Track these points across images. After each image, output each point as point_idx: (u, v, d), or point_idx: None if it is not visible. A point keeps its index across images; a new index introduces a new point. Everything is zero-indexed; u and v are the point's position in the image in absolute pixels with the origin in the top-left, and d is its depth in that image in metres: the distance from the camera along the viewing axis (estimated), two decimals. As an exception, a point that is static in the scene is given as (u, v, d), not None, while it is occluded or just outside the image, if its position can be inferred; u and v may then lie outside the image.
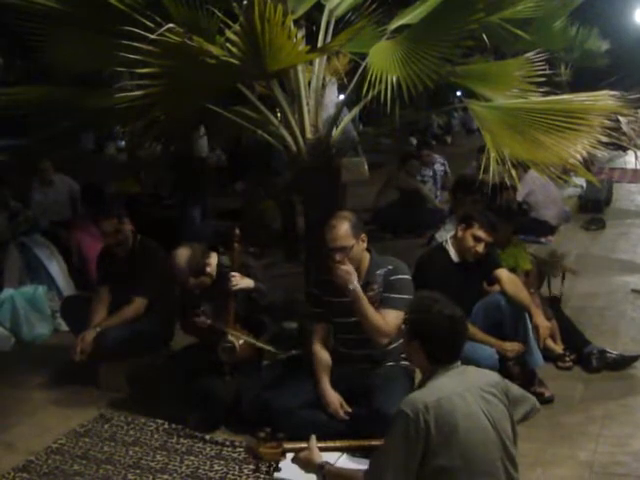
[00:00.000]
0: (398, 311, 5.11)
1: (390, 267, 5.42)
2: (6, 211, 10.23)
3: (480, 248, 6.05)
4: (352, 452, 4.81)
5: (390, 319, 5.21)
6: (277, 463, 4.68)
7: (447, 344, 3.73)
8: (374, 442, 4.40)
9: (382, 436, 4.01)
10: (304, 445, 4.49)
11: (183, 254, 5.80)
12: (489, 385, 3.69)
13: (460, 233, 6.14)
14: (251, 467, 5.02)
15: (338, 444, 4.59)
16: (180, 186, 12.01)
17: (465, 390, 3.58)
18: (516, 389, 3.92)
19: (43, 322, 8.05)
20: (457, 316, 3.78)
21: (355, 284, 5.15)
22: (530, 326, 5.91)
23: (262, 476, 4.91)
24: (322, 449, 4.41)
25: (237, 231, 5.78)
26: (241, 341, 5.69)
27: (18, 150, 15.76)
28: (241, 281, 5.69)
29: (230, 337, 5.63)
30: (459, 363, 3.75)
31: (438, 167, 13.20)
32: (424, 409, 3.44)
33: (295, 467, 4.47)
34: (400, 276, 5.40)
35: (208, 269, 5.88)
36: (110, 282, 6.76)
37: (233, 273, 5.68)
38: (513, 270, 6.48)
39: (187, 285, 5.86)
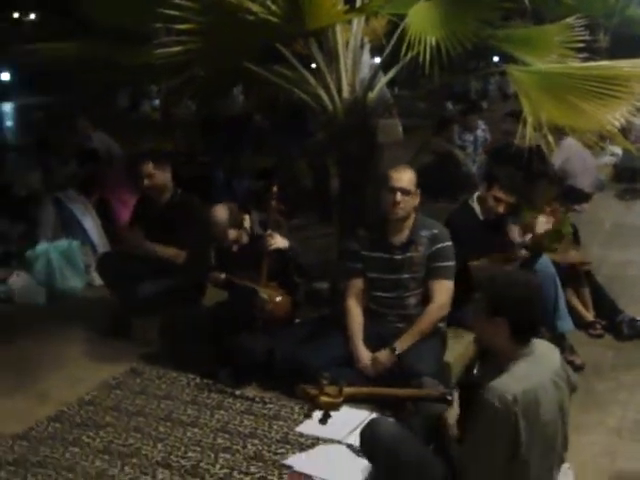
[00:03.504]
0: (450, 280, 5.36)
1: (435, 231, 5.47)
2: (40, 167, 10.35)
3: (500, 208, 6.12)
4: (382, 409, 4.90)
5: (445, 289, 5.36)
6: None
7: (533, 315, 3.63)
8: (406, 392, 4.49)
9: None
10: (365, 390, 4.54)
11: (221, 209, 5.91)
12: (559, 368, 3.64)
13: (482, 193, 6.21)
14: (280, 423, 5.10)
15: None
16: (209, 145, 12.04)
17: (545, 379, 3.50)
18: (571, 371, 3.84)
19: (77, 276, 8.14)
20: (535, 283, 3.74)
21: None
22: (561, 291, 5.92)
23: (290, 433, 4.97)
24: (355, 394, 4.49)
25: (275, 189, 5.81)
26: (279, 298, 5.74)
27: (55, 107, 15.88)
28: (277, 240, 5.73)
29: (263, 294, 5.67)
30: (534, 344, 3.64)
31: (480, 133, 13.08)
32: (512, 401, 3.34)
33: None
34: (445, 243, 5.46)
35: (245, 224, 5.93)
36: (145, 228, 6.80)
37: (269, 232, 5.72)
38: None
39: (225, 239, 5.90)
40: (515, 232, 6.32)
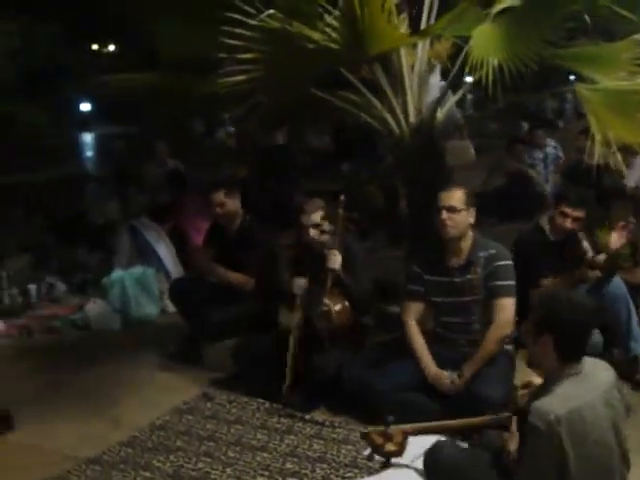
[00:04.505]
0: (510, 298, 5.28)
1: (492, 251, 5.41)
2: (117, 197, 10.58)
3: (568, 223, 6.07)
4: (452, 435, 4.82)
5: (506, 308, 5.28)
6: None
7: (579, 335, 3.62)
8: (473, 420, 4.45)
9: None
10: (427, 426, 4.54)
11: (317, 200, 6.04)
12: (611, 387, 3.60)
13: (552, 212, 6.20)
14: (349, 447, 5.12)
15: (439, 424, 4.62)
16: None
17: (593, 399, 3.48)
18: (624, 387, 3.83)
19: (151, 303, 8.28)
20: (587, 305, 3.70)
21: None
22: (634, 312, 5.83)
23: (359, 457, 4.98)
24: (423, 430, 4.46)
25: (342, 197, 5.84)
26: (338, 306, 5.76)
27: (133, 136, 16.17)
28: (336, 260, 5.77)
29: (326, 302, 5.71)
30: (582, 363, 3.62)
31: (550, 150, 12.89)
32: (555, 421, 3.34)
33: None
34: (503, 262, 5.39)
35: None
36: (216, 254, 6.93)
37: (333, 251, 5.77)
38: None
39: (308, 226, 5.96)
40: (587, 244, 6.24)
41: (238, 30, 5.14)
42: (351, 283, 5.83)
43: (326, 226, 5.95)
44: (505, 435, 3.97)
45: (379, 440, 4.62)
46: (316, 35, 5.14)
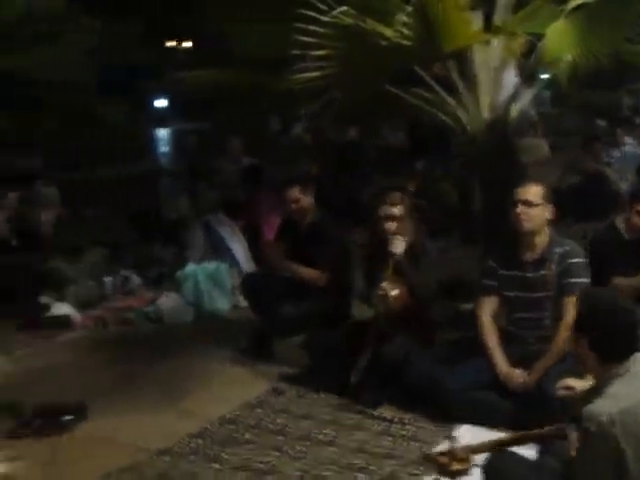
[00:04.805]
0: None
1: (567, 248, 5.36)
2: (187, 192, 10.71)
3: None
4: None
5: (575, 306, 5.17)
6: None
7: (618, 336, 3.51)
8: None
9: (549, 418, 4.15)
10: (487, 442, 4.51)
11: (397, 193, 6.08)
12: None
13: (629, 211, 6.08)
14: (417, 444, 5.11)
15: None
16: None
17: None
18: None
19: (223, 297, 8.34)
20: (628, 308, 3.62)
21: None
22: None
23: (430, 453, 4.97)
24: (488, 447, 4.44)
25: (411, 188, 5.84)
26: (395, 291, 5.75)
27: (209, 132, 16.31)
28: (397, 245, 5.81)
29: (384, 285, 5.71)
30: (632, 361, 3.51)
31: (629, 149, 12.72)
32: (609, 422, 3.23)
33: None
34: (576, 259, 5.33)
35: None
36: (289, 249, 6.95)
37: (397, 236, 5.81)
38: None
39: (384, 217, 5.99)
40: None
41: (311, 27, 5.17)
42: (416, 276, 5.84)
43: (397, 210, 5.97)
44: (567, 445, 3.92)
45: (444, 460, 4.61)
46: (389, 32, 5.15)
